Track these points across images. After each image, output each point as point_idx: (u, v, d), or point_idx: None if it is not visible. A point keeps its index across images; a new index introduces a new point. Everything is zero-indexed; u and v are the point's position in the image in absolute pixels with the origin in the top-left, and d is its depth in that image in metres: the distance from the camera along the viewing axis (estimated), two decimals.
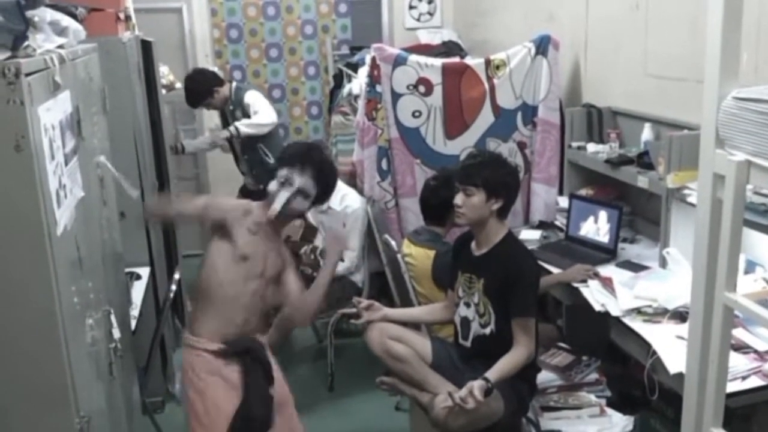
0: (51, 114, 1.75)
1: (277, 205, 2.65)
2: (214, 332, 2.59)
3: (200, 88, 4.81)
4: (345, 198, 3.96)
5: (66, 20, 2.11)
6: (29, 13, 1.76)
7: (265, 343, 2.76)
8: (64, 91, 1.92)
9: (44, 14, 1.90)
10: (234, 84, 4.90)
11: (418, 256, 3.45)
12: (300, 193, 2.68)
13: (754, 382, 2.31)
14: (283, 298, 2.76)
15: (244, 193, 5.04)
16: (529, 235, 3.79)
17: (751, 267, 2.80)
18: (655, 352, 2.52)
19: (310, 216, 4.06)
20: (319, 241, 3.96)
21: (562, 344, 3.22)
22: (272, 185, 2.69)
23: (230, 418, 2.51)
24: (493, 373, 2.62)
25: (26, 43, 1.70)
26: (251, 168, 4.91)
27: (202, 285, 2.65)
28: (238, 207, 2.70)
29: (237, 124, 4.68)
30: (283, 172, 2.69)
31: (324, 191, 2.78)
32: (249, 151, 4.86)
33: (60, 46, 1.96)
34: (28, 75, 1.55)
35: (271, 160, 4.68)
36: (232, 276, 2.60)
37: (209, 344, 2.57)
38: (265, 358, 2.66)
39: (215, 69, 6.03)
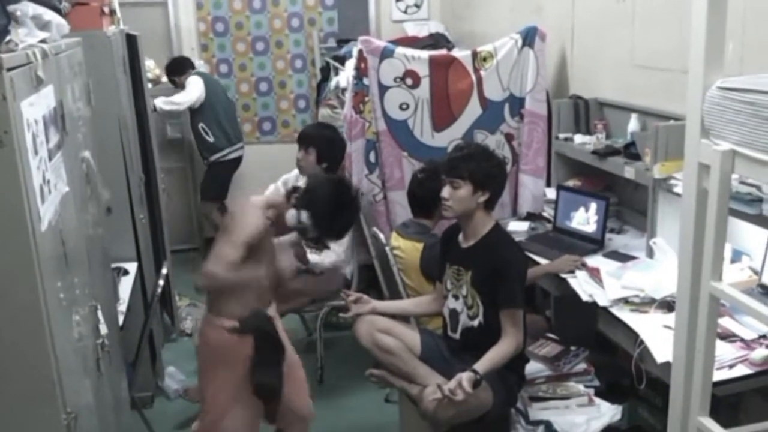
0: (34, 109, 1.73)
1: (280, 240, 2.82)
2: (231, 313, 2.72)
3: (169, 73, 5.74)
4: None
5: (49, 14, 2.09)
6: (11, 8, 1.75)
7: (275, 316, 2.90)
8: (47, 86, 1.90)
9: (26, 9, 1.88)
10: (191, 72, 5.69)
11: (406, 249, 3.45)
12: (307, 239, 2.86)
13: (741, 370, 2.33)
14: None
15: (211, 166, 5.91)
16: (517, 227, 3.80)
17: (737, 256, 2.82)
18: (642, 342, 2.53)
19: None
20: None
21: (550, 335, 3.23)
22: (292, 217, 2.73)
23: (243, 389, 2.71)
24: (482, 364, 2.62)
25: (8, 38, 1.69)
26: (197, 143, 5.85)
27: None
28: (259, 222, 2.69)
29: (155, 100, 5.44)
30: (304, 218, 2.72)
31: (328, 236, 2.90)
32: (194, 129, 5.75)
33: (43, 41, 1.94)
34: (10, 70, 1.54)
35: (211, 139, 5.68)
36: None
37: (227, 322, 2.71)
38: (274, 331, 2.78)
39: (201, 62, 6.05)
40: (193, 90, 5.58)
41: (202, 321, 2.89)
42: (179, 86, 5.71)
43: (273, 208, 2.76)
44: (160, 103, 5.50)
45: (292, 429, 3.01)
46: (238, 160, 5.92)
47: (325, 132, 4.16)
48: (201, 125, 5.67)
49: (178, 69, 5.72)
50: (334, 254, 3.81)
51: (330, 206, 2.73)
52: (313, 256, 3.75)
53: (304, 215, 2.71)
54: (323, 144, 4.00)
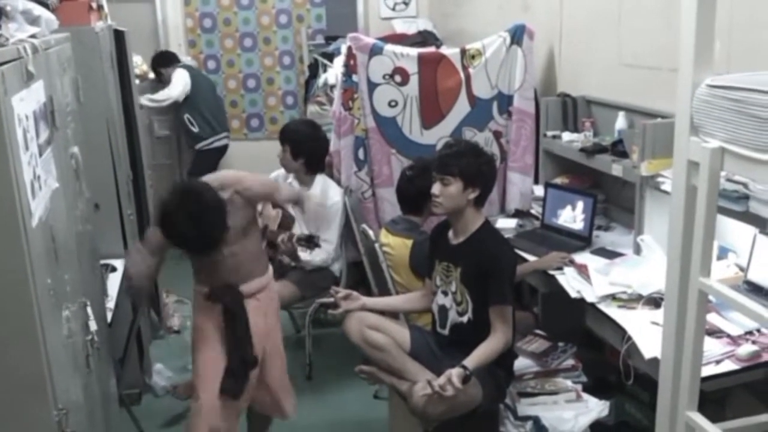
0: (24, 104, 1.72)
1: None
2: (206, 282, 2.91)
3: (153, 65, 5.90)
4: (326, 190, 3.95)
5: (38, 9, 2.08)
6: (1, 2, 1.74)
7: (266, 288, 3.01)
8: (37, 81, 1.89)
9: (16, 3, 1.87)
10: (180, 65, 5.82)
11: (395, 246, 3.45)
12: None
13: (728, 366, 2.35)
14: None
15: (195, 163, 6.04)
16: (505, 224, 3.81)
17: (723, 253, 2.84)
18: (630, 338, 2.55)
19: (289, 205, 4.06)
20: (296, 230, 3.96)
21: (538, 331, 3.24)
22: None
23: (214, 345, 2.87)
24: (471, 360, 2.64)
25: None
26: (183, 133, 6.07)
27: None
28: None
29: (141, 98, 5.48)
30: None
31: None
32: (179, 119, 5.96)
33: (33, 36, 1.93)
34: (1, 65, 1.53)
35: (196, 129, 5.89)
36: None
37: (203, 288, 2.92)
38: (238, 308, 2.88)
39: (188, 58, 6.04)
40: (177, 86, 5.77)
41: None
42: (165, 78, 5.81)
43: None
44: (145, 100, 5.65)
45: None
46: (223, 149, 6.10)
47: (300, 128, 4.09)
48: (186, 116, 5.87)
49: (164, 61, 5.87)
50: (324, 252, 3.81)
51: (189, 227, 2.60)
52: (303, 254, 3.75)
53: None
54: (296, 140, 3.93)
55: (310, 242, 3.61)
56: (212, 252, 2.74)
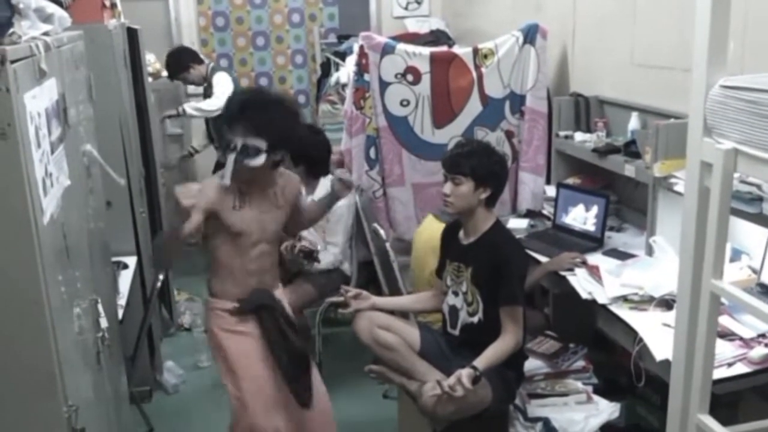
0: (37, 101, 1.73)
1: (227, 174, 2.61)
2: (229, 293, 2.75)
3: (178, 61, 5.28)
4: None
5: (51, 7, 2.08)
6: (14, 0, 1.74)
7: (282, 297, 2.91)
8: (50, 79, 1.90)
9: (29, 1, 1.87)
10: (211, 65, 5.34)
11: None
12: (246, 152, 2.61)
13: (740, 369, 2.34)
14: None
15: (218, 165, 5.33)
16: (517, 224, 3.80)
17: (736, 255, 2.82)
18: (641, 340, 2.54)
19: None
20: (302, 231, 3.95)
21: (549, 332, 3.23)
22: (220, 153, 2.69)
23: (260, 360, 2.73)
24: (482, 361, 2.63)
25: (11, 30, 1.68)
26: (216, 137, 5.33)
27: (211, 254, 2.78)
28: (215, 192, 2.67)
29: (185, 105, 5.24)
30: (226, 135, 2.62)
31: (279, 138, 2.65)
32: (213, 126, 5.37)
33: (45, 33, 1.94)
34: (13, 62, 1.53)
35: None
36: (234, 249, 2.73)
37: (225, 304, 2.75)
38: (279, 309, 2.80)
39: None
40: (226, 93, 5.08)
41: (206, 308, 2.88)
42: (193, 78, 5.39)
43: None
44: (190, 109, 5.27)
45: None
46: None
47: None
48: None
49: (192, 58, 5.36)
50: (330, 255, 3.79)
51: (233, 109, 2.66)
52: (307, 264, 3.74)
53: (226, 134, 2.64)
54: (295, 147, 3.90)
55: (310, 257, 3.59)
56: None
